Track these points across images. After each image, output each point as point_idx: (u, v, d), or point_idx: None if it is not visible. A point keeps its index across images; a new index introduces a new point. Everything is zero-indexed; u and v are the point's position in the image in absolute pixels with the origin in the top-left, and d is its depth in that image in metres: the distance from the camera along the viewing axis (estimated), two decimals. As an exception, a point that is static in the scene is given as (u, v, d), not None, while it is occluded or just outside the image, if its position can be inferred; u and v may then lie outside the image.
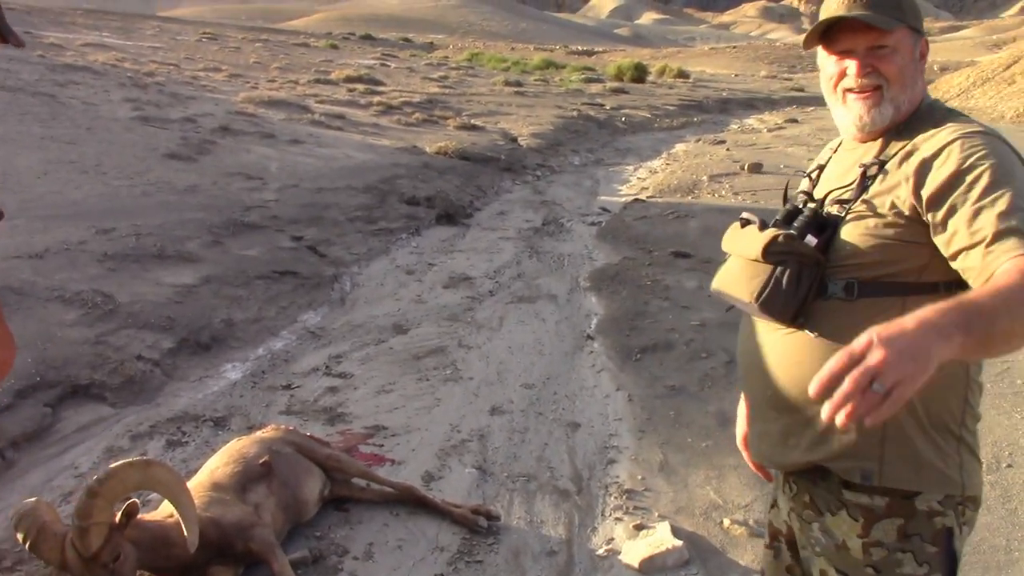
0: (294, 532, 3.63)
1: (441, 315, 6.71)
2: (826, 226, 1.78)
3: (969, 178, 1.60)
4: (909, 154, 1.73)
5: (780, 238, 1.76)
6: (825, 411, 1.28)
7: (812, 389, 1.31)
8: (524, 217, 10.77)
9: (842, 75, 1.82)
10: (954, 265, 1.62)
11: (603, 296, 7.27)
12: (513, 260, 8.55)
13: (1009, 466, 4.30)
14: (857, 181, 1.78)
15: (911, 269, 1.69)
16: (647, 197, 12.14)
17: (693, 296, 7.06)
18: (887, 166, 1.75)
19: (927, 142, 1.71)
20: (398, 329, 6.36)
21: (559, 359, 5.88)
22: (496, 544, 3.65)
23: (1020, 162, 1.65)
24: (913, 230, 1.67)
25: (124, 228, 7.42)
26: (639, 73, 38.09)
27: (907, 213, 1.68)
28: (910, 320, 1.31)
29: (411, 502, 3.87)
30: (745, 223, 1.91)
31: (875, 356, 1.25)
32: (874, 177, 1.76)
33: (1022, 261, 1.44)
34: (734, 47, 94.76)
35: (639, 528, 3.76)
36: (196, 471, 3.69)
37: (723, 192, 12.24)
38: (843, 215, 1.77)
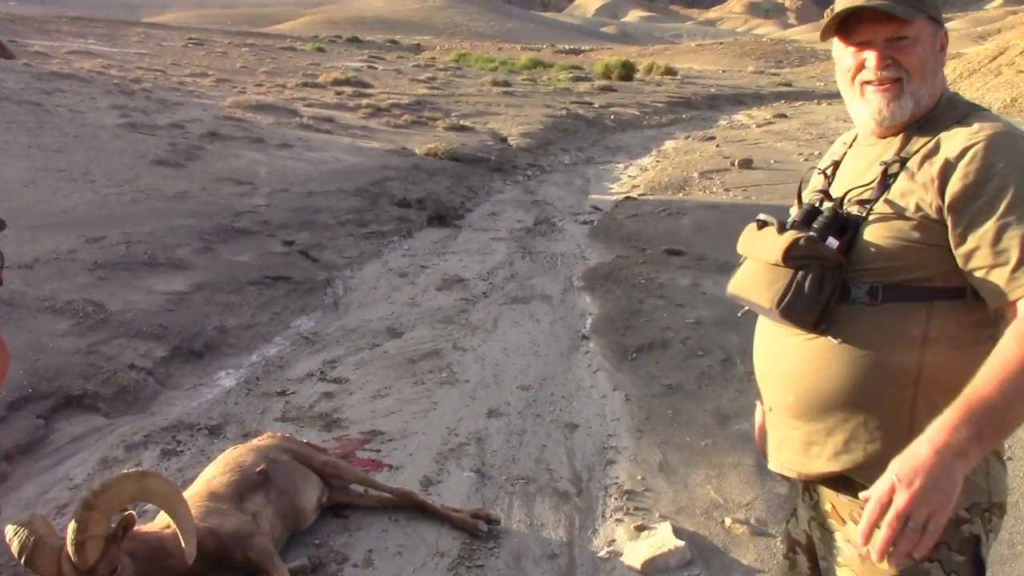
0: (293, 540, 3.59)
1: (435, 318, 6.68)
2: (847, 227, 1.72)
3: (993, 188, 1.57)
4: (932, 152, 1.68)
5: (801, 241, 1.71)
6: (874, 558, 1.39)
7: (859, 542, 1.45)
8: (516, 217, 10.75)
9: (860, 67, 1.77)
10: (970, 279, 1.60)
11: (597, 295, 7.25)
12: (506, 261, 8.52)
13: (1009, 459, 4.28)
14: (878, 180, 1.73)
15: (938, 274, 1.65)
16: (638, 195, 12.13)
17: (687, 294, 7.05)
18: (909, 164, 1.70)
19: (950, 141, 1.67)
20: (392, 333, 6.33)
21: (555, 360, 5.86)
22: (497, 548, 3.63)
23: None
24: (941, 234, 1.63)
25: (114, 236, 7.37)
26: (627, 71, 38.08)
27: (934, 216, 1.63)
28: (925, 449, 1.40)
29: (410, 507, 3.84)
30: (762, 224, 1.86)
31: (901, 500, 1.36)
32: (896, 175, 1.71)
33: None
34: (721, 43, 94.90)
35: (640, 529, 3.74)
36: (192, 480, 3.66)
37: (714, 188, 12.24)
38: (864, 215, 1.72)
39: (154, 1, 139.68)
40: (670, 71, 44.98)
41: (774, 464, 1.93)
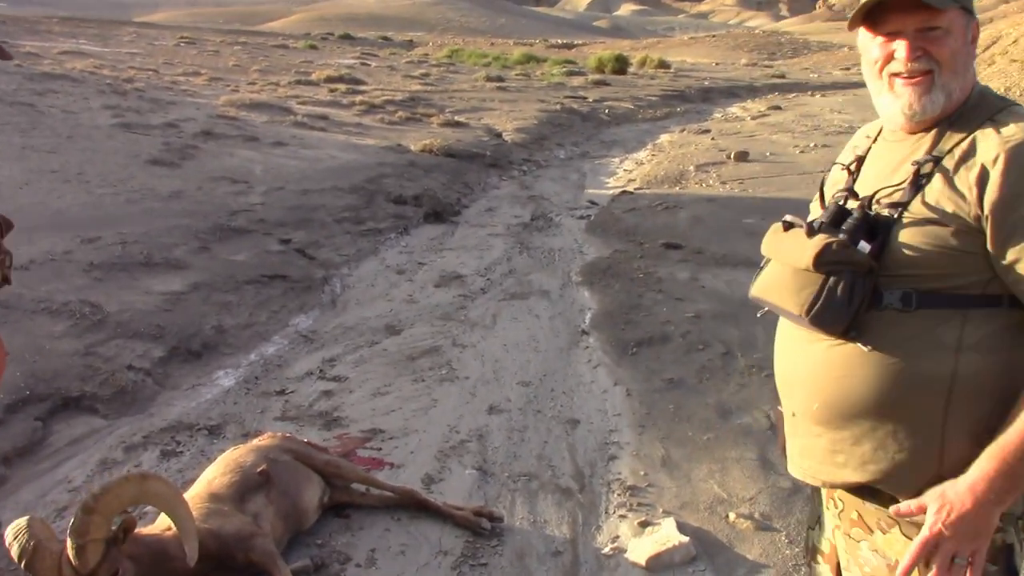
0: (295, 541, 3.57)
1: (434, 314, 6.66)
2: (877, 229, 1.66)
3: None
4: (968, 155, 1.62)
5: (833, 246, 1.64)
6: None
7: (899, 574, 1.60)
8: (512, 213, 10.72)
9: (888, 59, 1.70)
10: (1013, 290, 1.57)
11: (596, 290, 7.23)
12: (503, 256, 8.50)
13: None
14: (910, 180, 1.66)
15: (975, 282, 1.60)
16: (635, 189, 12.10)
17: (686, 287, 7.03)
18: (944, 163, 1.64)
19: (986, 142, 1.61)
20: (391, 330, 6.30)
21: (555, 355, 5.83)
22: (500, 546, 3.61)
23: None
24: (979, 242, 1.58)
25: (109, 237, 7.34)
26: (620, 65, 38.00)
27: (972, 224, 1.58)
28: (969, 500, 1.53)
29: (412, 506, 3.82)
30: (788, 226, 1.78)
31: (949, 547, 1.55)
32: (929, 176, 1.64)
33: None
34: (713, 36, 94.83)
35: (644, 525, 3.72)
36: (192, 481, 3.63)
37: (711, 182, 12.22)
38: (896, 217, 1.65)
39: (145, 0, 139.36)
40: (663, 64, 44.96)
41: (796, 471, 1.87)
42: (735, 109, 26.14)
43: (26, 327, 5.38)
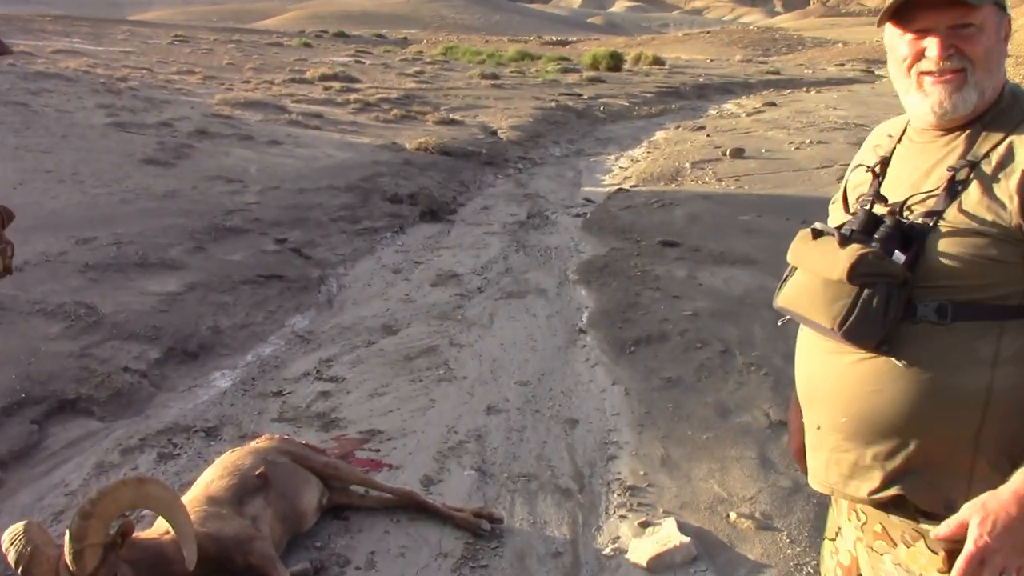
0: (293, 543, 3.55)
1: (431, 314, 6.64)
2: (911, 239, 1.60)
3: None
4: (1006, 161, 1.57)
5: (869, 257, 1.58)
6: None
7: None
8: (508, 211, 10.69)
9: (918, 56, 1.65)
10: None
11: (593, 289, 7.21)
12: (500, 255, 8.47)
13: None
14: (944, 187, 1.61)
15: (1014, 292, 1.55)
16: (631, 186, 12.08)
17: (684, 285, 7.02)
18: (981, 168, 1.59)
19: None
20: (388, 330, 6.28)
21: (552, 354, 5.82)
22: (500, 548, 3.59)
23: None
24: (1020, 250, 1.53)
25: (104, 237, 7.30)
26: (615, 61, 37.97)
27: (1014, 234, 1.53)
28: (1012, 504, 1.46)
29: (411, 508, 3.80)
30: (817, 233, 1.72)
31: (998, 561, 1.47)
32: (965, 182, 1.59)
33: None
34: (708, 32, 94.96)
35: (645, 525, 3.71)
36: (190, 484, 3.61)
37: (706, 179, 12.21)
38: (932, 226, 1.60)
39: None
40: (658, 61, 44.95)
41: (820, 484, 1.82)
42: (730, 106, 26.12)
43: (21, 329, 5.35)
